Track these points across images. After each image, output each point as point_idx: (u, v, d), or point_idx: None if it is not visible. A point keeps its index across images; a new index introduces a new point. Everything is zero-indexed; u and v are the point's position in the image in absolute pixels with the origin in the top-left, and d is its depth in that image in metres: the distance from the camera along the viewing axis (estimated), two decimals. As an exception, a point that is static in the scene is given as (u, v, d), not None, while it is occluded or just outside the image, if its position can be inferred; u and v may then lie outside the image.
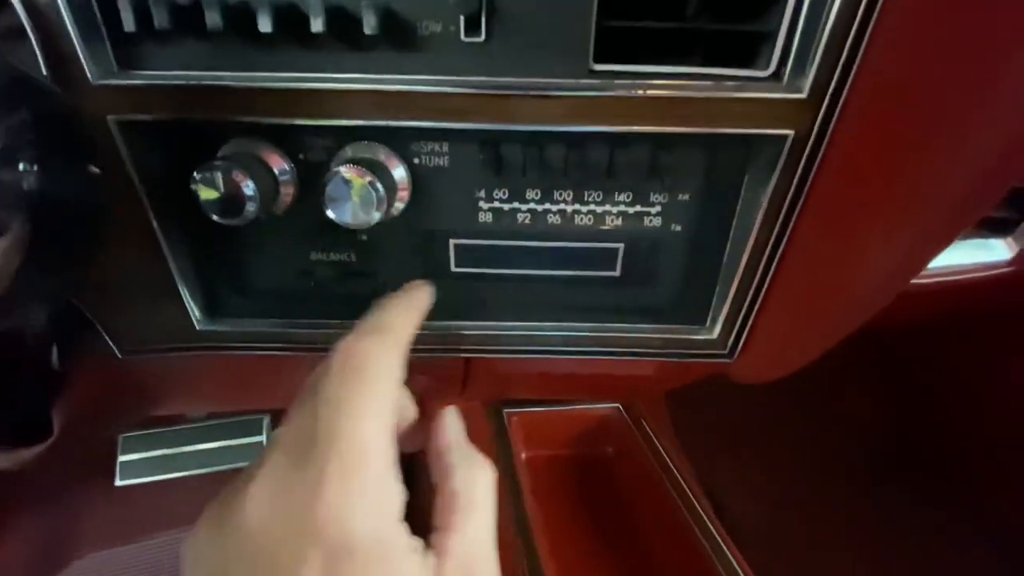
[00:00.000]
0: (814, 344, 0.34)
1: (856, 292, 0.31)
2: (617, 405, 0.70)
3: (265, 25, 0.22)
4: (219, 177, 0.24)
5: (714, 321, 0.32)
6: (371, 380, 0.21)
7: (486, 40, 0.24)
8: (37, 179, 0.18)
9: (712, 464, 0.83)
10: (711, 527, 0.56)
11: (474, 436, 0.73)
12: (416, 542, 0.20)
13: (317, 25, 0.22)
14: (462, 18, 0.24)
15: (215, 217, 0.25)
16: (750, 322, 0.32)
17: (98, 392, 0.36)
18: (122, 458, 0.85)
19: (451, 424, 0.27)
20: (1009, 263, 0.36)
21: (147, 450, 0.87)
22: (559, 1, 0.23)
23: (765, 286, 0.30)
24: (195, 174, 0.24)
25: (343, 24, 0.23)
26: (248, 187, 0.25)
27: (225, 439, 0.88)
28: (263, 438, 0.90)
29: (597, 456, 0.72)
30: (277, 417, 0.98)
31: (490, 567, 0.22)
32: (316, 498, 0.18)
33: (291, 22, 0.23)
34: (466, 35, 0.24)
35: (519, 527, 0.58)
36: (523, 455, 0.70)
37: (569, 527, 0.64)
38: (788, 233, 0.28)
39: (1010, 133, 0.23)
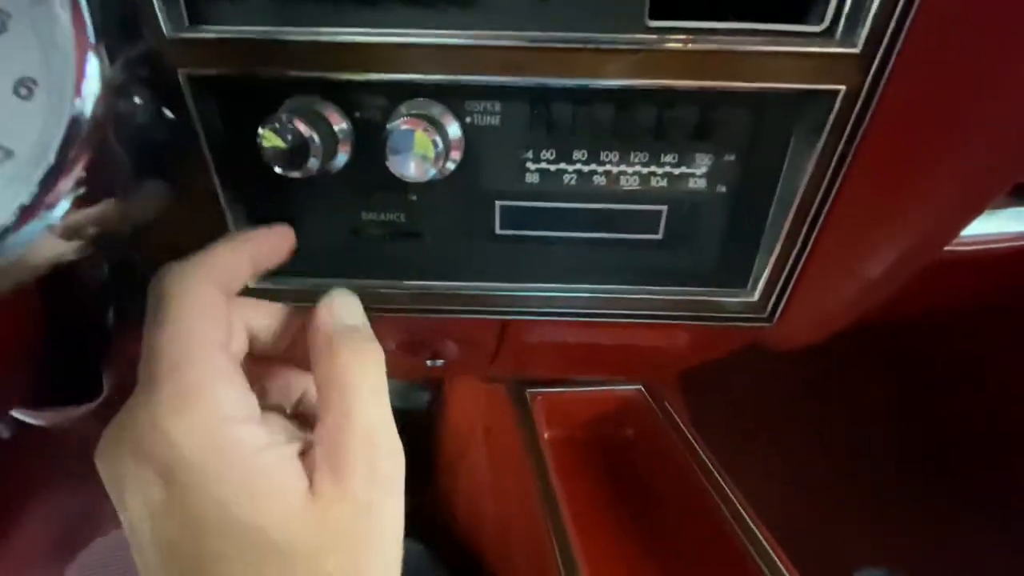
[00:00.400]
0: (852, 306, 0.34)
1: (896, 253, 0.31)
2: (639, 387, 0.71)
3: None
4: (286, 127, 0.25)
5: (755, 283, 0.33)
6: (175, 304, 0.22)
7: (545, -5, 0.25)
8: (143, 116, 0.19)
9: (724, 446, 0.83)
10: (738, 506, 0.56)
11: (497, 414, 0.74)
12: (278, 437, 0.21)
13: None
14: (522, -27, 0.24)
15: (278, 168, 0.26)
16: (791, 284, 0.32)
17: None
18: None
19: (340, 303, 0.26)
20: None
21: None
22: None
23: (808, 247, 0.31)
24: (261, 126, 0.25)
25: None
26: (312, 139, 0.26)
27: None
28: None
29: (619, 437, 0.73)
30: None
31: (373, 452, 0.22)
32: (145, 421, 0.20)
33: None
34: (525, -10, 0.25)
35: (547, 505, 0.59)
36: (545, 435, 0.71)
37: (595, 505, 0.64)
38: (834, 193, 0.29)
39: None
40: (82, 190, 0.16)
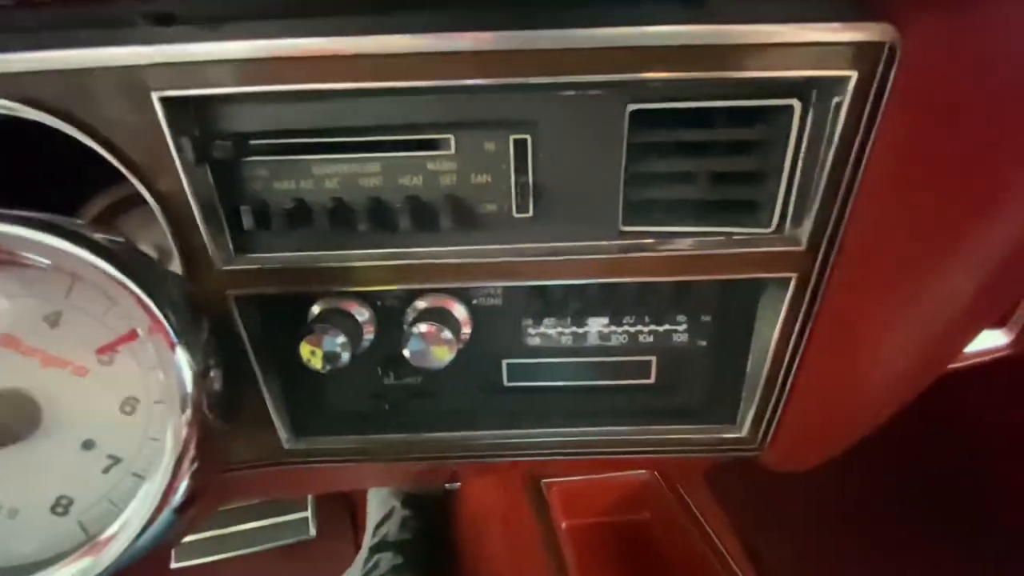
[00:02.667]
0: (843, 434, 0.37)
1: (878, 388, 0.34)
2: (653, 471, 0.72)
3: (363, 226, 0.28)
4: (319, 341, 0.29)
5: (743, 420, 0.36)
6: None
7: (533, 215, 0.29)
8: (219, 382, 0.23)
9: (746, 511, 0.83)
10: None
11: (513, 504, 0.76)
12: None
13: (405, 223, 0.28)
14: (514, 199, 0.29)
15: (318, 369, 0.30)
16: (776, 419, 0.36)
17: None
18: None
19: None
20: (1008, 346, 0.39)
21: (201, 531, 0.90)
22: (592, 180, 0.29)
23: (787, 389, 0.34)
24: (303, 342, 0.29)
25: (422, 218, 0.28)
26: (342, 342, 0.30)
27: (272, 517, 0.92)
28: (308, 513, 0.94)
29: (636, 521, 0.74)
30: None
31: None
32: None
33: (381, 218, 0.28)
34: (517, 212, 0.29)
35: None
36: (563, 524, 0.72)
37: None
38: (802, 346, 0.32)
39: (982, 269, 0.27)
40: (196, 465, 0.20)
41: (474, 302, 0.33)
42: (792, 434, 0.36)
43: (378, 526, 0.92)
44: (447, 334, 0.30)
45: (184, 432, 0.19)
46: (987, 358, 0.40)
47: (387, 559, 0.84)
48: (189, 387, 0.19)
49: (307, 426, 0.38)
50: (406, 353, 0.30)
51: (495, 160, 0.28)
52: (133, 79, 0.24)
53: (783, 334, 0.32)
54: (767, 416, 0.36)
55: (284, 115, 0.27)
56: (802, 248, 0.29)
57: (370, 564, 0.84)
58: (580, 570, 0.64)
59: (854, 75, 0.25)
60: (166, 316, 0.19)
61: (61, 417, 0.20)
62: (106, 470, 0.20)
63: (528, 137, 0.28)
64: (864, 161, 0.27)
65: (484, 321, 0.34)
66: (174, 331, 0.19)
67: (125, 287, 0.18)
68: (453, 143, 0.28)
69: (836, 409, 0.36)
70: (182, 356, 0.19)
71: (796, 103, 0.26)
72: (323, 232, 0.29)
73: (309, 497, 0.94)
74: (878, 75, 0.24)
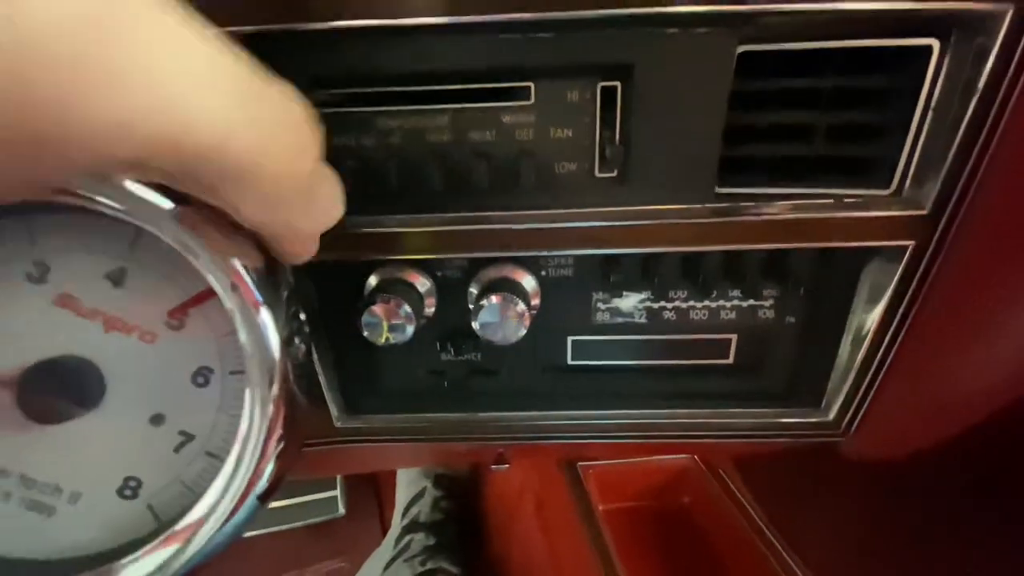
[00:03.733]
0: (934, 429, 0.34)
1: (984, 381, 0.31)
2: (693, 456, 0.70)
3: (428, 187, 0.25)
4: (384, 312, 0.27)
5: (830, 404, 0.33)
6: None
7: (617, 175, 0.26)
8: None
9: (791, 507, 0.81)
10: (797, 572, 0.55)
11: (548, 487, 0.74)
12: None
13: (474, 183, 0.25)
14: (597, 157, 0.26)
15: (381, 342, 0.28)
16: (865, 406, 0.33)
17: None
18: (207, 515, 0.90)
19: None
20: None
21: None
22: (687, 135, 0.25)
23: (882, 373, 0.31)
24: (365, 313, 0.27)
25: (494, 178, 0.26)
26: (407, 313, 0.27)
27: (302, 495, 0.92)
28: (337, 492, 0.93)
29: (675, 505, 0.72)
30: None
31: None
32: None
33: (448, 178, 0.26)
34: (600, 172, 0.26)
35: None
36: (600, 508, 0.70)
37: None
38: (906, 326, 0.29)
39: None
40: (282, 446, 0.18)
41: (543, 272, 0.31)
42: (879, 423, 0.33)
43: (408, 506, 0.91)
44: (520, 306, 0.28)
45: (271, 408, 0.17)
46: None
47: (419, 540, 0.83)
48: (276, 355, 0.17)
49: (359, 404, 0.36)
50: (475, 326, 0.28)
51: (579, 112, 0.26)
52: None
53: (888, 312, 0.29)
54: (856, 402, 0.33)
55: (341, 59, 0.24)
56: (924, 212, 0.25)
57: (402, 544, 0.84)
58: (619, 552, 0.63)
59: (1010, 10, 0.21)
60: (247, 271, 0.17)
61: (126, 388, 0.18)
62: (177, 448, 0.18)
63: (618, 84, 0.25)
64: (1006, 117, 0.23)
65: (552, 294, 0.31)
66: (257, 288, 0.17)
67: (202, 237, 0.16)
68: (533, 92, 0.25)
69: (932, 401, 0.33)
70: (267, 318, 0.17)
71: (935, 43, 0.23)
72: (384, 193, 0.27)
73: (338, 477, 0.94)
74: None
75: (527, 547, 0.82)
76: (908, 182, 0.26)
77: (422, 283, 0.30)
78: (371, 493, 1.09)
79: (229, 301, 0.17)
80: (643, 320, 0.33)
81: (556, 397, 0.35)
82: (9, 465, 0.17)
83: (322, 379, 0.33)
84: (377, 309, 0.27)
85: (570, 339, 0.34)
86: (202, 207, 0.16)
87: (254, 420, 0.17)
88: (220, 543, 0.17)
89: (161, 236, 0.16)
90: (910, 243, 0.26)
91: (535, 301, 0.31)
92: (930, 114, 0.24)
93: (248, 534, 0.73)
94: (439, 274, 0.31)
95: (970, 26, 0.22)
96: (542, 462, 0.76)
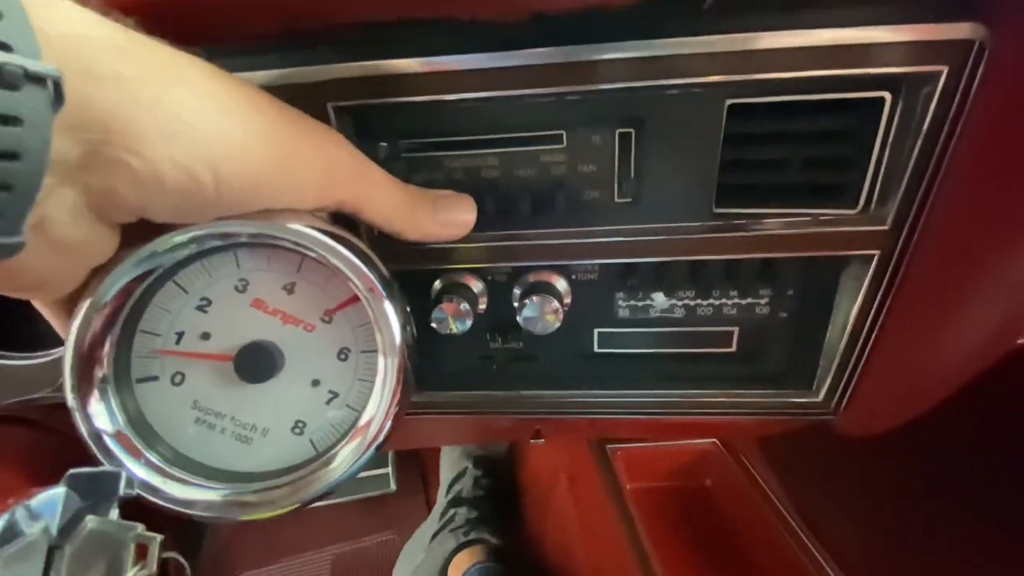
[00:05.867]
0: (916, 402, 0.39)
1: (950, 359, 0.36)
2: (714, 440, 0.76)
3: (483, 211, 0.33)
4: (452, 309, 0.35)
5: (819, 386, 0.39)
6: None
7: (633, 200, 0.33)
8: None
9: (809, 490, 0.85)
10: (816, 553, 0.60)
11: (580, 466, 0.81)
12: None
13: (520, 208, 0.33)
14: (616, 186, 0.33)
15: (449, 332, 0.36)
16: (851, 387, 0.38)
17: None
18: (274, 487, 1.01)
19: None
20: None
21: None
22: (689, 168, 0.32)
23: (864, 359, 0.37)
24: (437, 308, 0.35)
25: (535, 204, 0.33)
26: (467, 309, 0.35)
27: (357, 471, 1.02)
28: (388, 469, 1.03)
29: (698, 488, 0.78)
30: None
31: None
32: None
33: (499, 204, 0.33)
34: (619, 198, 0.33)
35: (637, 551, 0.65)
36: (627, 486, 0.77)
37: (680, 552, 0.70)
38: (881, 319, 0.35)
39: None
40: (399, 407, 0.26)
41: (573, 277, 0.38)
42: (865, 401, 0.39)
43: (452, 483, 1.00)
44: (555, 304, 0.35)
45: (396, 374, 0.25)
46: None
47: (463, 513, 0.92)
48: (398, 336, 0.25)
49: (426, 382, 0.44)
50: (519, 320, 0.36)
51: (601, 152, 0.32)
52: (312, 92, 0.30)
53: (863, 308, 0.35)
54: (843, 383, 0.39)
55: (422, 119, 0.32)
56: (886, 227, 0.31)
57: (447, 517, 0.93)
58: (647, 526, 0.69)
59: (944, 70, 0.27)
60: (377, 279, 0.25)
61: (296, 361, 0.26)
62: (328, 402, 0.27)
63: (632, 131, 0.32)
64: (950, 150, 0.29)
65: (581, 294, 0.39)
66: (384, 289, 0.25)
67: (349, 261, 0.24)
68: (565, 138, 0.32)
69: (909, 379, 0.38)
70: (390, 308, 0.25)
71: (887, 95, 0.29)
72: None
73: (390, 455, 1.04)
74: (967, 71, 0.27)
75: (561, 521, 0.90)
76: (873, 203, 0.31)
77: (476, 286, 0.38)
78: (417, 474, 1.19)
79: (367, 298, 0.25)
80: (657, 315, 0.39)
81: (585, 379, 0.43)
82: (227, 410, 0.26)
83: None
84: (445, 307, 0.35)
85: (596, 331, 0.41)
86: (348, 240, 0.24)
87: (386, 383, 0.25)
88: (355, 470, 0.25)
89: (320, 261, 0.24)
90: (876, 252, 0.32)
91: (567, 300, 0.38)
92: (888, 149, 0.30)
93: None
94: (490, 279, 0.38)
95: (915, 81, 0.28)
96: (574, 444, 0.83)
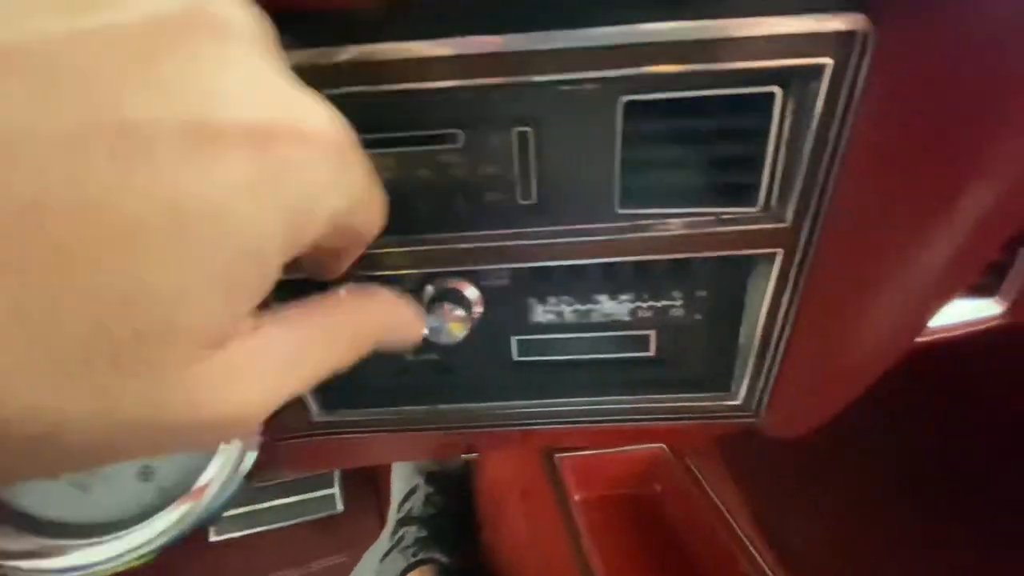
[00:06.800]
0: (833, 400, 0.39)
1: (861, 355, 0.36)
2: (662, 445, 0.75)
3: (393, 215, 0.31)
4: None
5: (738, 388, 0.39)
6: None
7: (537, 202, 0.32)
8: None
9: (767, 495, 0.86)
10: (759, 559, 0.60)
11: (530, 477, 0.79)
12: None
13: (418, 211, 0.31)
14: (518, 187, 0.32)
15: None
16: (769, 388, 0.38)
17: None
18: (214, 515, 0.95)
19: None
20: (1002, 316, 0.41)
21: (236, 507, 0.96)
22: (591, 168, 0.31)
23: (778, 358, 0.37)
24: None
25: (435, 207, 0.31)
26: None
27: (301, 493, 0.97)
28: (335, 490, 0.99)
29: (647, 494, 0.77)
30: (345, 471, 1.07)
31: None
32: None
33: (398, 208, 0.31)
34: (521, 199, 0.32)
35: (580, 564, 0.63)
36: (576, 497, 0.76)
37: (627, 562, 0.69)
38: (791, 317, 0.35)
39: (949, 243, 0.29)
40: (259, 437, 0.23)
41: (484, 283, 0.36)
42: (785, 401, 0.39)
43: (403, 502, 0.97)
44: (460, 312, 0.33)
45: None
46: (981, 327, 0.41)
47: (412, 532, 0.89)
48: None
49: (335, 401, 0.41)
50: (424, 331, 0.33)
51: (500, 152, 0.31)
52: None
53: (772, 306, 0.34)
54: (760, 384, 0.38)
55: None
56: (787, 225, 0.31)
57: (397, 536, 0.89)
58: (593, 538, 0.68)
59: (829, 63, 0.27)
60: None
61: None
62: None
63: (530, 130, 0.30)
64: (843, 143, 0.29)
65: (494, 301, 0.37)
66: None
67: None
68: (461, 137, 0.31)
69: (824, 376, 0.38)
70: None
71: (777, 90, 0.28)
72: None
73: (336, 475, 1.00)
74: (852, 63, 0.26)
75: (513, 537, 0.87)
76: (773, 201, 0.31)
77: (383, 295, 0.36)
78: (371, 491, 1.15)
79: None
80: (575, 321, 0.38)
81: (510, 389, 0.41)
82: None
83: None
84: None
85: (515, 339, 0.39)
86: None
87: None
88: (215, 510, 0.23)
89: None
90: (779, 250, 0.32)
91: (478, 308, 0.36)
92: (783, 145, 0.29)
93: (249, 531, 0.79)
94: (398, 287, 0.36)
95: (803, 75, 0.28)
96: (526, 455, 0.82)
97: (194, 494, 0.23)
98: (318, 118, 0.17)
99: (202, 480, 0.23)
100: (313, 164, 0.16)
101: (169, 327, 0.12)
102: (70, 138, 0.10)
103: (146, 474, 0.23)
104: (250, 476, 0.24)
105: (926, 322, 0.38)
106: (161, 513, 0.22)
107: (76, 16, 0.11)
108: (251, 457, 0.23)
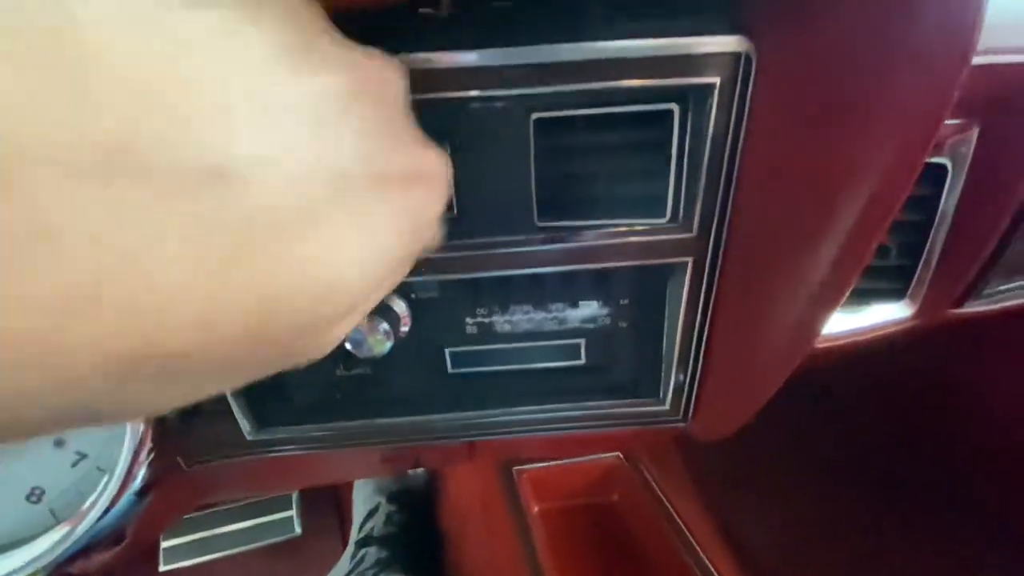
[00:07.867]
0: (752, 401, 0.41)
1: (770, 357, 0.38)
2: (618, 453, 0.76)
3: None
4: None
5: (665, 394, 0.40)
6: None
7: (458, 215, 0.33)
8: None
9: (726, 495, 0.87)
10: (711, 567, 0.60)
11: (490, 491, 0.79)
12: None
13: None
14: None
15: None
16: (694, 392, 0.39)
17: (167, 500, 0.43)
18: (165, 544, 0.92)
19: None
20: (912, 317, 0.43)
21: (187, 534, 0.93)
22: (508, 183, 0.32)
23: (699, 363, 0.38)
24: None
25: None
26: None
27: (257, 517, 0.94)
28: (293, 512, 0.96)
29: (604, 504, 0.77)
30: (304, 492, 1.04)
31: None
32: None
33: None
34: (444, 213, 0.33)
35: (535, 578, 0.63)
36: (535, 509, 0.75)
37: (583, 575, 0.69)
38: (707, 323, 0.36)
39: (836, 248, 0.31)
40: (152, 454, 0.23)
41: (412, 296, 0.37)
42: (710, 405, 0.40)
43: (364, 522, 0.95)
44: (384, 326, 0.33)
45: (140, 426, 0.22)
46: (892, 329, 0.43)
47: (372, 553, 0.87)
48: None
49: (269, 418, 0.41)
50: (348, 345, 0.34)
51: (419, 167, 0.32)
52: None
53: (688, 313, 0.35)
54: (685, 390, 0.39)
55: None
56: (693, 235, 0.32)
57: (356, 558, 0.87)
58: (550, 551, 0.68)
59: (717, 81, 0.28)
60: None
61: None
62: (74, 464, 0.24)
63: (447, 145, 0.31)
64: (738, 156, 0.30)
65: (424, 313, 0.37)
66: None
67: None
68: (380, 153, 0.31)
69: (742, 379, 0.39)
70: None
71: (675, 107, 0.30)
72: None
73: (294, 497, 0.97)
74: (739, 81, 0.28)
75: (476, 553, 0.86)
76: (680, 212, 0.32)
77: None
78: (332, 512, 1.12)
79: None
80: (506, 331, 0.39)
81: (448, 402, 0.41)
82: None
83: (230, 398, 0.38)
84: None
85: (448, 351, 0.40)
86: None
87: (128, 436, 0.22)
88: (104, 527, 0.22)
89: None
90: (689, 259, 0.33)
91: (407, 320, 0.36)
92: (684, 161, 0.31)
93: (201, 559, 0.76)
94: None
95: (696, 94, 0.29)
96: (487, 469, 0.81)
97: (80, 515, 0.22)
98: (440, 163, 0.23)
99: (89, 501, 0.22)
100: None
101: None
102: None
103: (37, 495, 0.23)
104: (143, 493, 0.23)
105: (822, 325, 0.39)
106: (46, 534, 0.22)
107: None
108: (142, 473, 0.23)
